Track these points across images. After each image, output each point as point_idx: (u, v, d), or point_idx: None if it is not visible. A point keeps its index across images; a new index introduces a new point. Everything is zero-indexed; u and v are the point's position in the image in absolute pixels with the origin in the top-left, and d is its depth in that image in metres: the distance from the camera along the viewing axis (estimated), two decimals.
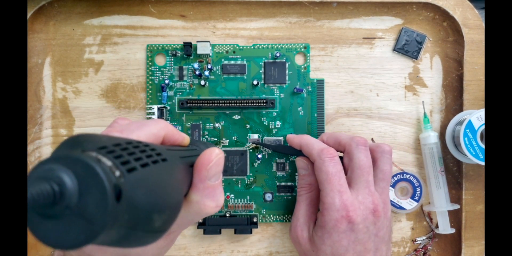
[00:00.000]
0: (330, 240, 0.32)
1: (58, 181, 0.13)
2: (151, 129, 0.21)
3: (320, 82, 0.40)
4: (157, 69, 0.40)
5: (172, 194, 0.18)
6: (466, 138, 0.36)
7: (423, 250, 0.40)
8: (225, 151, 0.39)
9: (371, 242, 0.32)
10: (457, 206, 0.38)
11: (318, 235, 0.32)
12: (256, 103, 0.38)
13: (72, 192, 0.13)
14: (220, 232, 0.38)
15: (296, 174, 0.40)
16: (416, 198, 0.39)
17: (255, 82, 0.39)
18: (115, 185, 0.14)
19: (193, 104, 0.38)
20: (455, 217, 0.40)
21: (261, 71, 0.40)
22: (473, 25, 0.39)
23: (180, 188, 0.20)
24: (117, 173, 0.14)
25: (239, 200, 0.40)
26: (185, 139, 0.24)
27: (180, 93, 0.40)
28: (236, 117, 0.40)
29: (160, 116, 0.38)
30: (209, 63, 0.40)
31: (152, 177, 0.16)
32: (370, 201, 0.32)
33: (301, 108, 0.40)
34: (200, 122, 0.40)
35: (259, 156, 0.39)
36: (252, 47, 0.40)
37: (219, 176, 0.23)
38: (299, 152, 0.36)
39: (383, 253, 0.33)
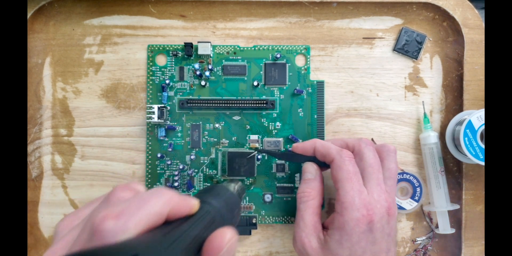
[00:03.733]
0: (350, 242, 0.31)
1: None
2: (154, 207, 0.19)
3: (320, 84, 0.40)
4: (158, 69, 0.40)
5: None
6: (466, 138, 0.36)
7: (423, 250, 0.40)
8: (232, 153, 0.38)
9: (384, 242, 0.31)
10: (457, 206, 0.38)
11: (335, 239, 0.31)
12: (256, 104, 0.38)
13: None
14: None
15: (297, 176, 0.40)
16: (416, 198, 0.39)
17: (255, 83, 0.39)
18: None
19: (194, 105, 0.38)
20: (455, 217, 0.40)
21: (261, 72, 0.40)
22: (473, 25, 0.39)
23: None
24: None
25: None
26: (193, 208, 0.21)
27: (181, 93, 0.40)
28: (236, 117, 0.40)
29: (161, 116, 0.38)
30: (210, 64, 0.40)
31: None
32: (383, 199, 0.32)
33: (301, 109, 0.40)
34: (200, 123, 0.40)
35: (259, 157, 0.39)
36: (253, 48, 0.40)
37: None
38: (306, 159, 0.36)
39: (392, 255, 0.32)
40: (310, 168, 0.36)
